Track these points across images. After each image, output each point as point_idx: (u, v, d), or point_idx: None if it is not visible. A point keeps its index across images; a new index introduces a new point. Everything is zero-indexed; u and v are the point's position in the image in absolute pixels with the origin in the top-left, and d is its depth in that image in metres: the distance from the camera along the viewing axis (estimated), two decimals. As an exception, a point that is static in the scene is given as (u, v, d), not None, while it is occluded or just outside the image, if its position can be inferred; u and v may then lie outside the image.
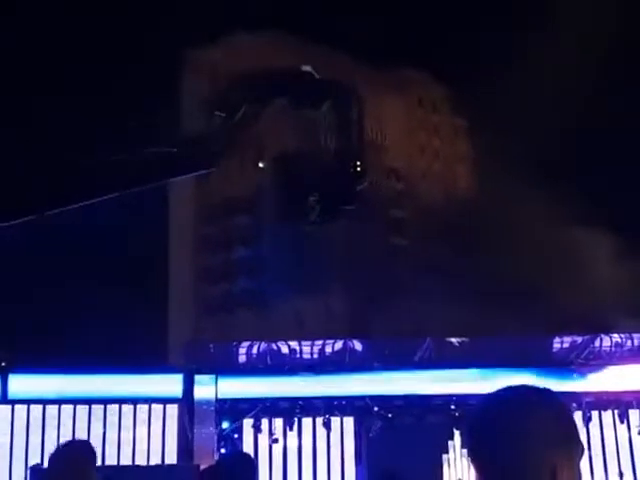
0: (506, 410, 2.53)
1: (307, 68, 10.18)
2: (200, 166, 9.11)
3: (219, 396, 20.49)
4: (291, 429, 21.36)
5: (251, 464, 7.52)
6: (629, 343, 21.33)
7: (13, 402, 20.55)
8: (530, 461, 2.48)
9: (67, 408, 20.65)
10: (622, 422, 21.55)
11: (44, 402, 20.57)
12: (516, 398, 2.58)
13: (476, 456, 2.55)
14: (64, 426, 20.51)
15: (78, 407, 20.69)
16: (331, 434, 21.52)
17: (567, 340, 21.40)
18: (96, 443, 19.71)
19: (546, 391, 2.60)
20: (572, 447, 2.54)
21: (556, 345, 21.50)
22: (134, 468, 19.53)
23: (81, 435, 20.10)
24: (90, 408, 20.68)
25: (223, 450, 20.32)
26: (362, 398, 21.19)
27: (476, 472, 2.51)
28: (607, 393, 21.20)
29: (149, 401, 20.82)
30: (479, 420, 2.57)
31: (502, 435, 2.50)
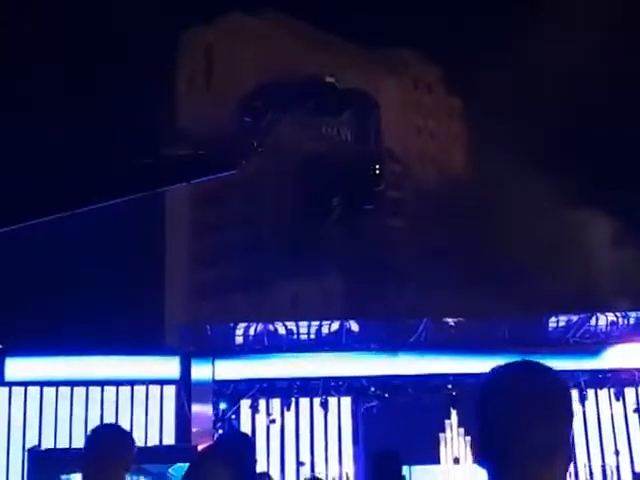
0: (510, 383, 2.55)
1: (330, 79, 10.89)
2: (225, 168, 9.44)
3: (216, 377, 20.54)
4: (288, 409, 21.43)
5: (249, 443, 7.56)
6: (625, 322, 21.39)
7: (10, 384, 20.58)
8: (552, 443, 2.50)
9: (64, 390, 20.69)
10: (618, 400, 21.65)
11: (41, 384, 20.60)
12: (522, 372, 2.60)
13: (488, 427, 2.56)
14: (62, 408, 20.56)
15: (75, 389, 20.73)
16: (328, 414, 21.60)
17: (563, 319, 21.44)
18: (94, 425, 19.81)
19: (547, 369, 2.62)
20: (568, 427, 2.56)
21: (552, 324, 21.56)
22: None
23: (78, 417, 20.17)
24: (87, 390, 20.72)
25: (221, 431, 20.39)
26: (359, 378, 21.26)
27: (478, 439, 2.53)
28: (603, 372, 21.28)
29: (146, 383, 20.88)
30: (485, 391, 2.59)
31: (530, 414, 2.51)
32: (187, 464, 4.44)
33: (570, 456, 2.48)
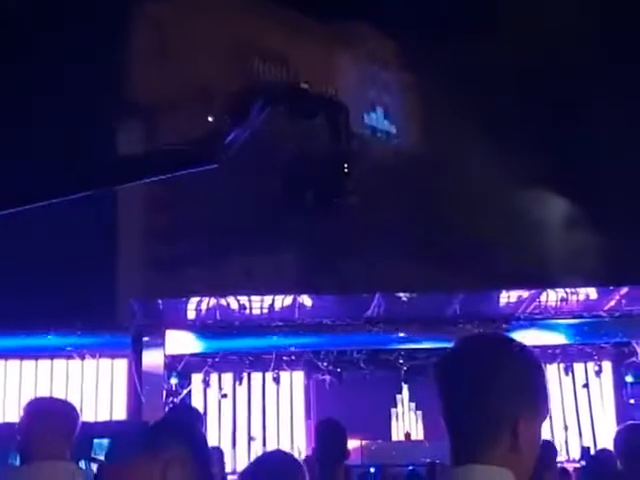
0: (478, 356, 2.52)
1: (305, 85, 11.32)
2: (205, 163, 9.62)
3: (167, 352, 20.45)
4: (240, 384, 21.43)
5: (198, 417, 7.52)
6: (574, 298, 21.57)
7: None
8: (493, 411, 2.47)
9: (13, 363, 20.53)
10: (567, 375, 21.88)
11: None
12: (489, 345, 2.57)
13: (443, 397, 2.54)
14: (10, 381, 20.39)
15: (24, 362, 20.57)
16: (280, 389, 21.62)
17: (514, 295, 21.57)
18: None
19: (519, 343, 2.60)
20: (539, 403, 2.53)
21: (503, 300, 21.68)
22: (82, 424, 19.46)
23: (28, 390, 20.01)
24: (37, 364, 20.58)
25: (171, 405, 20.33)
26: (311, 353, 21.29)
27: (442, 413, 2.51)
28: (553, 347, 21.48)
29: (97, 357, 20.77)
30: (449, 364, 2.57)
31: (470, 380, 2.49)
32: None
33: (514, 431, 2.44)
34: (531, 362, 2.54)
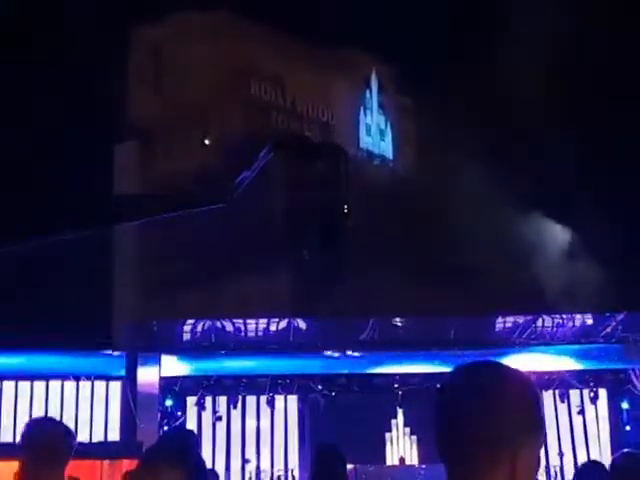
0: (477, 386, 2.53)
1: (308, 134, 12.14)
2: (214, 203, 10.18)
3: (162, 374, 20.41)
4: (235, 407, 21.38)
5: (194, 440, 7.52)
6: (570, 324, 21.55)
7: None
8: (492, 439, 2.48)
9: (8, 385, 20.47)
10: (563, 402, 21.84)
11: (-16, 379, 20.36)
12: (488, 374, 2.58)
13: (441, 426, 2.55)
14: (6, 402, 20.32)
15: (20, 384, 20.52)
16: (275, 412, 21.57)
17: (509, 320, 21.56)
18: (38, 420, 19.59)
19: (518, 371, 2.61)
20: (536, 431, 2.54)
21: (498, 325, 21.67)
22: (77, 445, 19.39)
23: (23, 412, 19.95)
24: (32, 385, 20.52)
25: (166, 428, 20.28)
26: (306, 377, 21.24)
27: (437, 443, 2.52)
28: (548, 373, 21.44)
29: (92, 378, 20.71)
30: (448, 394, 2.58)
31: (471, 411, 2.50)
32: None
33: (513, 459, 2.45)
34: (529, 391, 2.56)
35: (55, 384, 20.61)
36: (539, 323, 21.28)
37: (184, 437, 7.52)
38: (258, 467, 21.22)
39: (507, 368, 2.57)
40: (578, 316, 21.71)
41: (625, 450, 6.76)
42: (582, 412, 21.86)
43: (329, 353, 20.91)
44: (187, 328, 21.14)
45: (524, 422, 2.48)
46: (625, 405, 21.67)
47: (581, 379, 21.74)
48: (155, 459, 3.59)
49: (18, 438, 4.96)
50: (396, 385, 21.10)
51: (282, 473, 21.27)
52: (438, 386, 2.61)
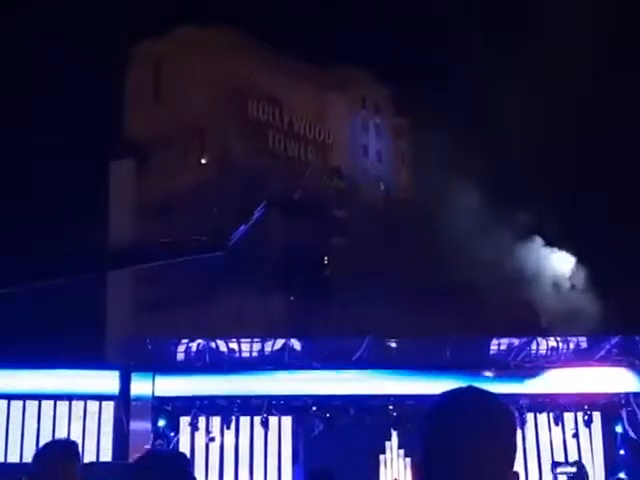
0: (467, 417, 2.56)
1: (297, 195, 12.61)
2: (215, 251, 11.02)
3: (156, 394, 20.34)
4: (228, 428, 21.29)
5: (186, 461, 7.44)
6: (565, 347, 21.55)
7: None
8: (482, 469, 2.50)
9: (1, 404, 20.40)
10: (557, 425, 21.79)
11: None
12: (477, 401, 2.61)
13: (431, 451, 2.57)
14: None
15: (12, 403, 20.45)
16: (269, 433, 21.49)
17: (504, 342, 21.55)
18: (30, 439, 19.53)
19: (501, 399, 2.64)
20: (515, 458, 2.59)
21: (493, 347, 21.66)
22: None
23: (15, 431, 19.90)
24: (24, 404, 20.44)
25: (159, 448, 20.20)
26: (300, 398, 21.18)
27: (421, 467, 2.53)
28: (543, 396, 21.40)
29: (85, 398, 20.64)
30: (426, 417, 2.60)
31: (467, 436, 2.52)
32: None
33: None
34: (512, 421, 2.62)
35: (47, 404, 20.54)
36: (534, 346, 21.29)
37: (176, 458, 7.44)
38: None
39: (493, 395, 2.61)
40: (573, 339, 21.71)
41: (619, 476, 6.76)
42: (576, 435, 21.80)
43: (323, 374, 20.87)
44: (181, 347, 21.10)
45: (511, 451, 2.53)
46: (619, 429, 21.62)
47: (575, 402, 21.69)
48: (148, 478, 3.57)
49: (10, 457, 5.12)
50: (390, 407, 21.04)
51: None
52: (426, 410, 2.64)
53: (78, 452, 5.14)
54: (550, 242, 31.52)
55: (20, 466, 17.44)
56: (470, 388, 2.60)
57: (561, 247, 31.22)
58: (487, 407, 2.54)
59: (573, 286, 29.25)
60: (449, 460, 2.47)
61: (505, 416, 2.57)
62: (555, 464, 20.17)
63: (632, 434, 21.23)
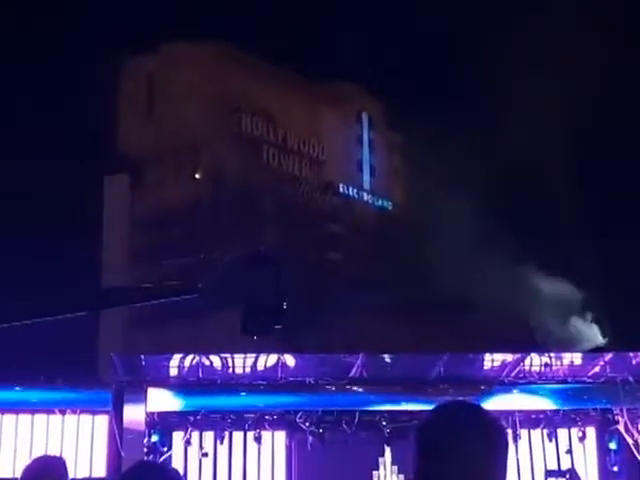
0: (439, 425, 2.57)
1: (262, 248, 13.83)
2: (187, 294, 11.91)
3: (149, 409, 20.29)
4: (222, 443, 21.24)
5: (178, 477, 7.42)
6: (559, 363, 21.54)
7: None
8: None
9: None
10: (550, 441, 21.77)
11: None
12: (458, 415, 2.62)
13: (418, 469, 2.58)
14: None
15: (5, 416, 20.40)
16: (262, 448, 21.44)
17: (498, 358, 21.54)
18: (24, 454, 19.46)
19: (493, 415, 2.66)
20: (505, 469, 2.60)
21: (487, 363, 21.64)
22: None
23: (8, 445, 19.85)
24: (17, 419, 20.39)
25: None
26: (294, 413, 21.14)
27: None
28: (536, 412, 21.40)
29: (78, 412, 20.59)
30: (418, 432, 2.61)
31: (460, 452, 2.53)
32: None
33: None
34: (504, 436, 2.64)
35: (41, 418, 20.49)
36: (527, 362, 21.28)
37: (168, 474, 7.41)
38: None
39: (485, 410, 2.63)
40: (566, 355, 21.72)
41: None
42: (570, 452, 21.78)
43: (317, 390, 20.85)
44: (174, 363, 21.05)
45: (505, 462, 2.55)
46: (613, 445, 21.60)
47: (569, 418, 21.68)
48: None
49: (1, 473, 5.15)
50: (384, 422, 21.01)
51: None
52: (418, 425, 2.65)
53: (66, 468, 5.15)
54: (543, 265, 31.52)
55: (12, 481, 17.41)
56: (462, 403, 2.61)
57: (555, 271, 31.23)
58: (479, 422, 2.55)
59: (562, 296, 29.26)
60: (441, 475, 2.47)
61: (497, 431, 2.59)
62: (548, 473, 20.21)
63: (626, 451, 21.21)
